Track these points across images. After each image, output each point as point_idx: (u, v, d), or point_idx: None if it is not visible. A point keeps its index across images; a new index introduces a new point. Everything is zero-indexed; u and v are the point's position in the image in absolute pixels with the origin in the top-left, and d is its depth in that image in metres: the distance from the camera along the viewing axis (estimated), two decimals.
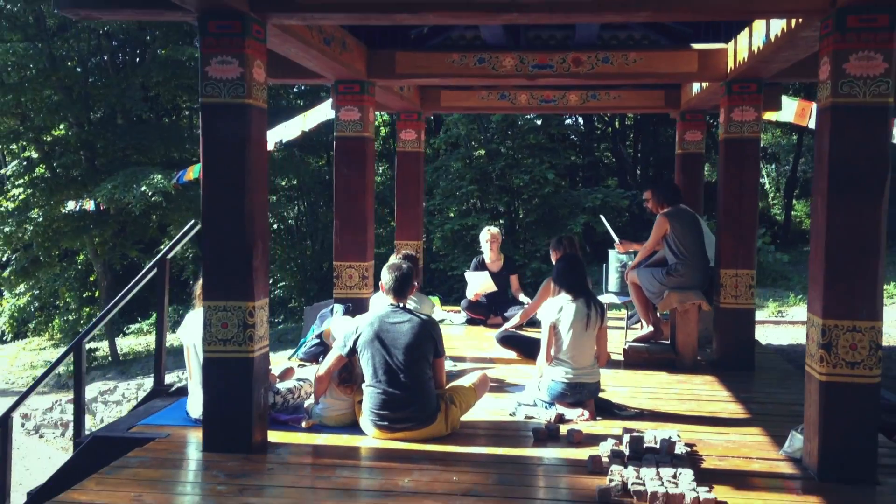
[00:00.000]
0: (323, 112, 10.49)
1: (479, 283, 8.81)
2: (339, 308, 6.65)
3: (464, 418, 5.22)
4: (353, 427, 4.99)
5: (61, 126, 18.07)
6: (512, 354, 7.28)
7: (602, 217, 9.45)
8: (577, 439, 4.81)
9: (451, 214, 17.32)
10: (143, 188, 15.54)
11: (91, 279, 22.18)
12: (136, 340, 21.68)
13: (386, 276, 5.00)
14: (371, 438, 4.85)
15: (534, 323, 7.50)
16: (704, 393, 6.11)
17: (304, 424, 5.03)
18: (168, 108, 21.41)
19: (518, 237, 17.48)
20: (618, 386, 6.28)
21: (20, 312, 24.67)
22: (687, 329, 6.92)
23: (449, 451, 4.67)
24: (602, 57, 6.87)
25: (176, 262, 22.40)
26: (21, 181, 17.77)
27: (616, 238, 8.27)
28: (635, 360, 7.01)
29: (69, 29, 17.49)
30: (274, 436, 4.88)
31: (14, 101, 16.82)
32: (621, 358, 7.14)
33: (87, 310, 23.10)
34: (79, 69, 18.03)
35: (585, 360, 5.40)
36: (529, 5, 4.38)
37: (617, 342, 7.87)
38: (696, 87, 8.17)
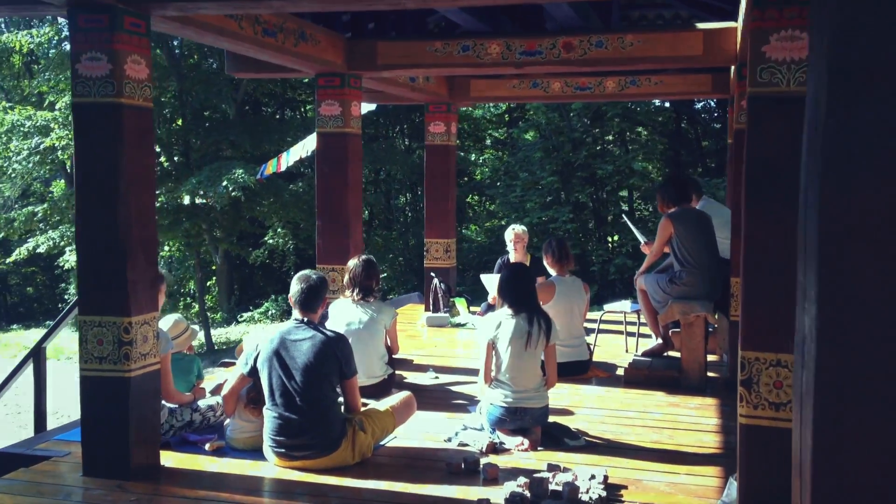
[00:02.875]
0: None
1: (495, 287, 8.23)
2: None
3: (391, 444, 4.77)
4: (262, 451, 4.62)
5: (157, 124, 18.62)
6: None
7: (625, 217, 8.68)
8: (490, 476, 4.26)
9: (531, 207, 16.68)
10: (225, 183, 15.76)
11: (213, 267, 22.90)
12: (237, 329, 22.14)
13: (293, 288, 4.58)
14: (272, 466, 4.47)
15: None
16: (689, 420, 5.37)
17: (207, 447, 4.70)
18: (256, 103, 21.64)
19: (605, 230, 16.65)
20: (596, 407, 5.63)
21: None
22: (692, 344, 6.15)
23: (339, 484, 4.22)
24: (595, 41, 6.17)
25: (277, 253, 22.86)
26: None
27: (642, 239, 7.51)
28: (635, 377, 6.29)
29: None
30: (173, 458, 4.58)
31: None
32: (622, 374, 6.45)
33: (209, 297, 23.97)
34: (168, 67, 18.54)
35: (528, 383, 4.81)
36: None
37: (625, 354, 7.16)
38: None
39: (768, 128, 3.44)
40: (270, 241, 21.80)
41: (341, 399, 4.59)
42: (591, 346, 6.87)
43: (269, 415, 4.42)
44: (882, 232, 1.51)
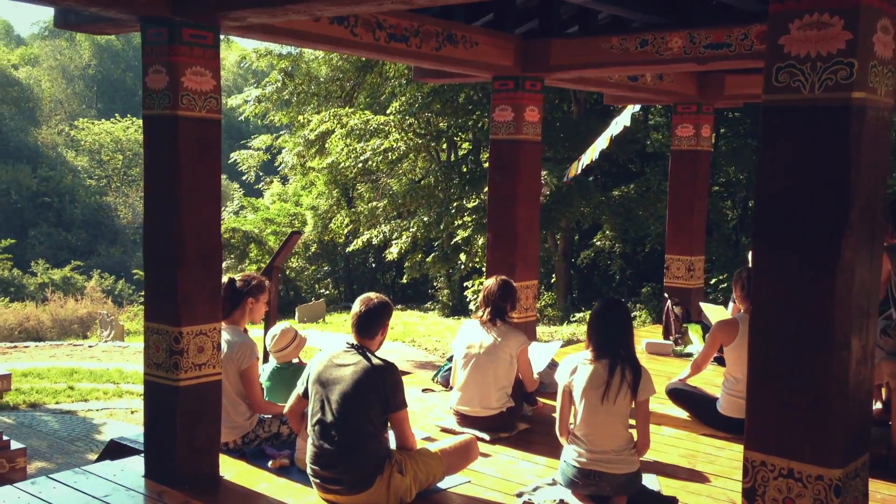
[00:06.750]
0: (624, 117, 9.66)
1: (718, 317, 7.14)
2: None
3: (455, 489, 4.31)
4: None
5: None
6: (682, 413, 5.77)
7: None
8: None
9: None
10: None
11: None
12: (567, 329, 22.07)
13: (353, 309, 4.31)
14: (314, 495, 4.24)
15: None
16: None
17: (270, 464, 4.60)
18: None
19: None
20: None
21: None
22: None
23: None
24: None
25: (603, 255, 22.42)
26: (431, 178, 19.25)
27: None
28: None
29: None
30: (236, 470, 4.56)
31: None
32: None
33: (548, 295, 24.36)
34: None
35: (606, 443, 4.02)
36: None
37: None
38: None
39: (785, 150, 2.45)
40: (598, 242, 21.47)
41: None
42: None
43: (308, 441, 4.20)
44: None
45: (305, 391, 4.30)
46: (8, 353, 18.51)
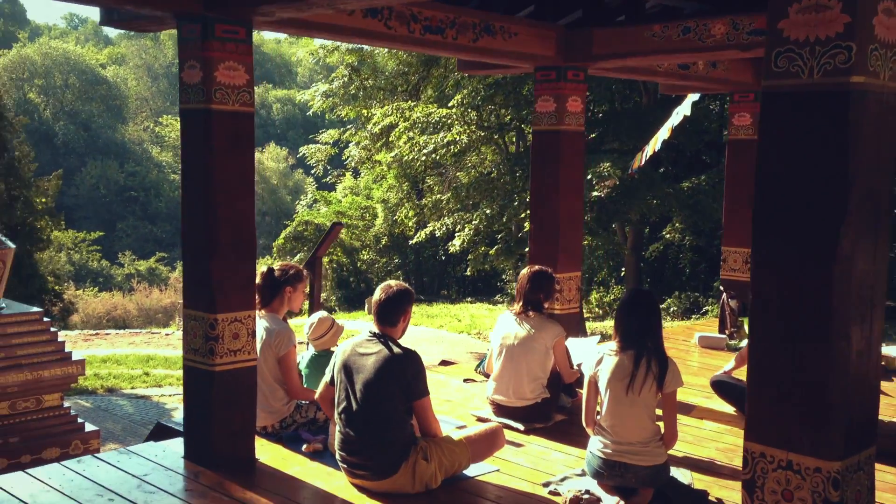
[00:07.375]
0: (684, 107, 9.52)
1: None
2: None
3: (482, 478, 4.34)
4: None
5: None
6: (730, 408, 5.67)
7: None
8: None
9: None
10: (588, 176, 15.63)
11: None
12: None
13: (373, 297, 4.37)
14: (343, 480, 4.32)
15: None
16: None
17: (304, 448, 4.71)
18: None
19: None
20: None
21: None
22: None
23: None
24: None
25: (673, 248, 22.05)
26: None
27: None
28: (881, 446, 4.84)
29: None
30: (272, 454, 4.67)
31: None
32: None
33: (618, 289, 24.15)
34: None
35: (631, 434, 3.99)
36: None
37: None
38: None
39: (782, 135, 2.41)
40: (668, 235, 21.14)
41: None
42: None
43: (336, 428, 4.29)
44: None
45: (332, 379, 4.38)
46: (90, 340, 19.25)
